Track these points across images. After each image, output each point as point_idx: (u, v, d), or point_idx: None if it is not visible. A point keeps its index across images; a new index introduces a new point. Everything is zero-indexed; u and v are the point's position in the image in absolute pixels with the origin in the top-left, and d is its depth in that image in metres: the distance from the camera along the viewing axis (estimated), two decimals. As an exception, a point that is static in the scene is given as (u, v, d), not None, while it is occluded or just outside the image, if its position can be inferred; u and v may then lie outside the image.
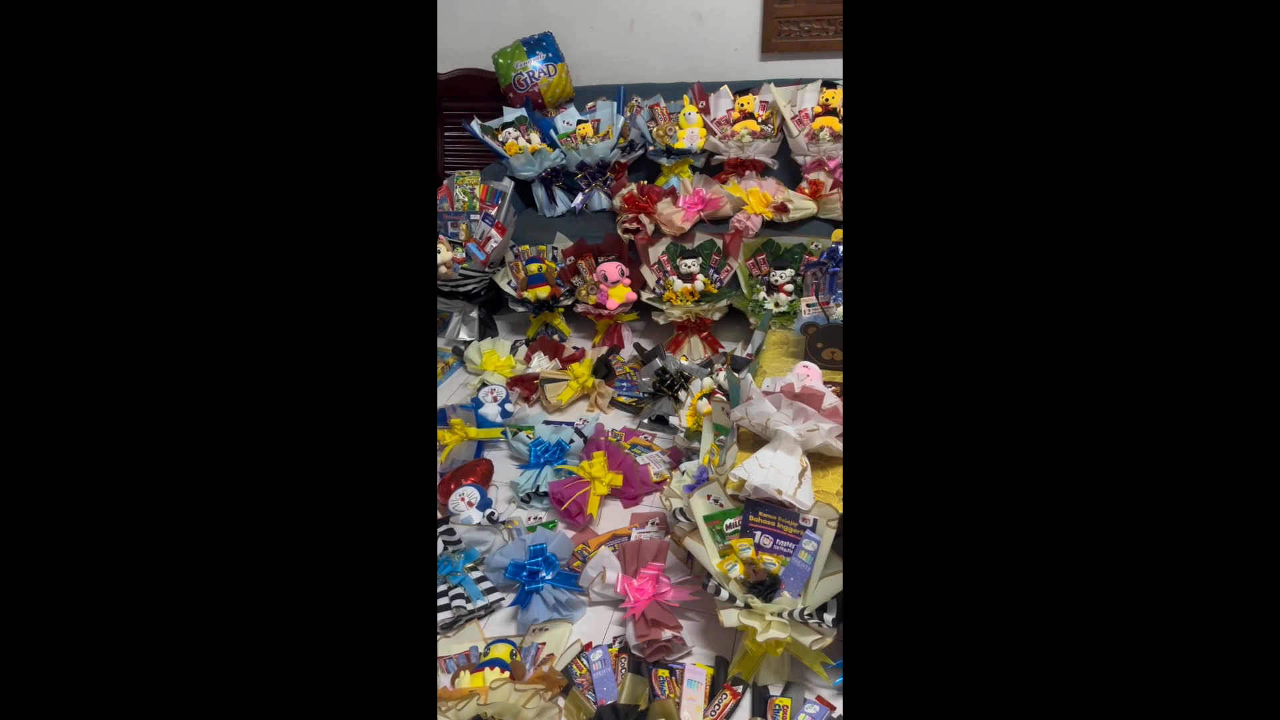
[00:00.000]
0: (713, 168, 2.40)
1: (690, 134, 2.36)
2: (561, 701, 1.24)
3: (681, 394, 1.85)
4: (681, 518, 1.35)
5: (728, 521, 1.25)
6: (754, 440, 1.34)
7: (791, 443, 1.24)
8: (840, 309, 1.53)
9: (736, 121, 2.33)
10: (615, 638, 1.36)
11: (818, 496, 1.20)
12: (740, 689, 1.22)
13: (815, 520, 1.15)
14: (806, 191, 2.20)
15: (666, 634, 1.28)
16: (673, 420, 1.79)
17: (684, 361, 2.08)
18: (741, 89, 2.36)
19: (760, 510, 1.20)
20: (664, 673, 1.26)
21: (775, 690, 1.23)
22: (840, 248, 1.57)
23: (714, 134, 2.34)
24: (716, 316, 2.20)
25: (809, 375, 1.34)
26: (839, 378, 1.55)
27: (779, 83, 2.33)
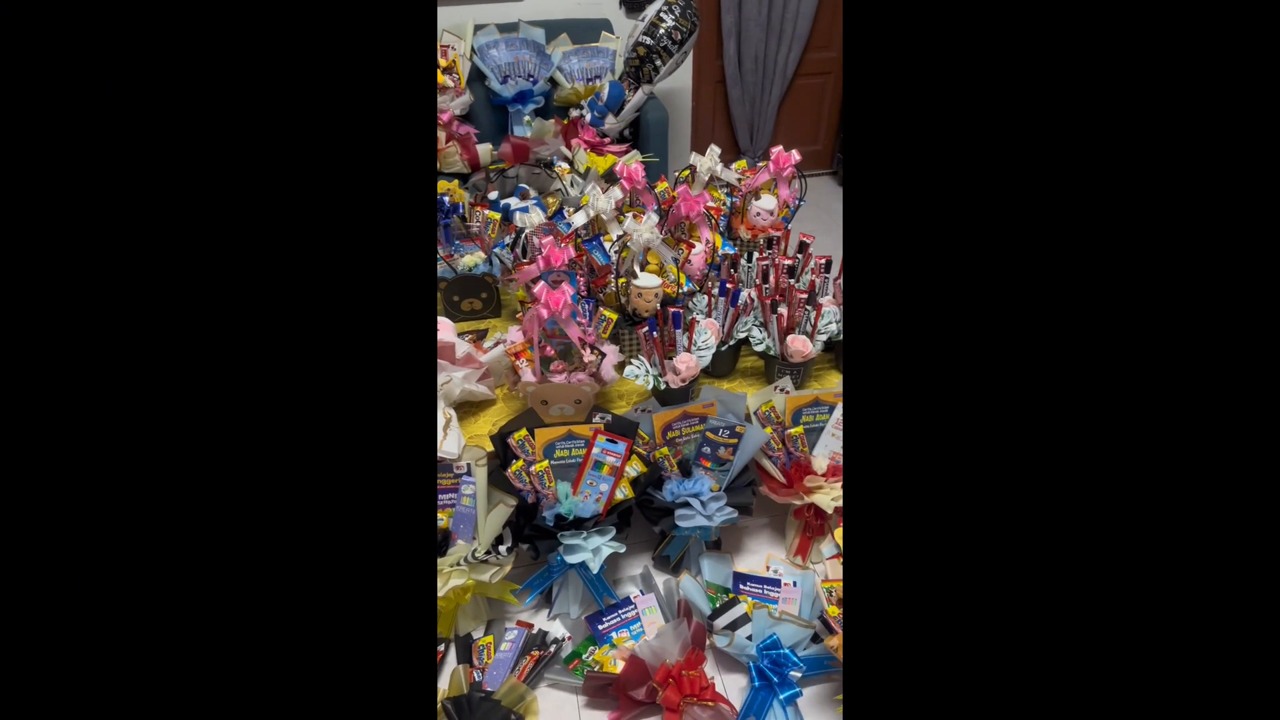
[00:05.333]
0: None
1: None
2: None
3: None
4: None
5: (388, 494, 1.21)
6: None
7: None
8: (465, 259, 1.55)
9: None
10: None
11: (469, 441, 1.24)
12: (443, 646, 1.23)
13: (469, 465, 1.18)
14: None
15: (354, 628, 1.22)
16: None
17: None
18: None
19: (416, 472, 1.19)
20: (361, 667, 1.20)
21: (478, 634, 1.26)
22: (446, 198, 1.57)
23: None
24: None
25: (440, 329, 1.35)
26: (480, 326, 1.59)
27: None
